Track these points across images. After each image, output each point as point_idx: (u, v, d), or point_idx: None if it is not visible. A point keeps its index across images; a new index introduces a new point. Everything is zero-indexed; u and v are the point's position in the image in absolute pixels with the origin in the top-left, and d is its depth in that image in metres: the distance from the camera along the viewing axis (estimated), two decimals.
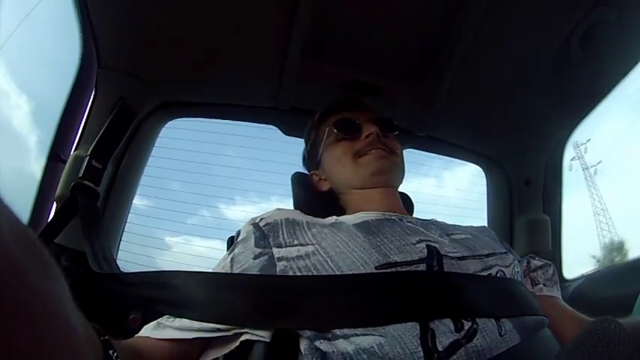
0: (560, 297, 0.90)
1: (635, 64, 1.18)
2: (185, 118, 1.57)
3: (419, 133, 1.56)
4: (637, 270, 1.18)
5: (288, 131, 1.55)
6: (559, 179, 1.58)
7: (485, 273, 0.73)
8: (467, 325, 0.61)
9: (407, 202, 1.15)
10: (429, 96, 1.38)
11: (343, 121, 1.00)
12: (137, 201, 1.51)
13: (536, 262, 0.94)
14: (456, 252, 0.74)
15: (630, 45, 1.15)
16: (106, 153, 1.25)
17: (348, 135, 0.98)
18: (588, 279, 1.40)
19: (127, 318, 1.18)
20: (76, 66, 1.27)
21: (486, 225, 1.30)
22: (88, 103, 1.28)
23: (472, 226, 0.93)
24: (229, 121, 1.61)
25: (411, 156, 1.64)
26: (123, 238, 1.46)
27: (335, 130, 1.00)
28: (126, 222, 1.47)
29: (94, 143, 1.22)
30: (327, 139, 1.02)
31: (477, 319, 0.61)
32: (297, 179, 1.15)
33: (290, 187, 1.16)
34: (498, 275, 0.75)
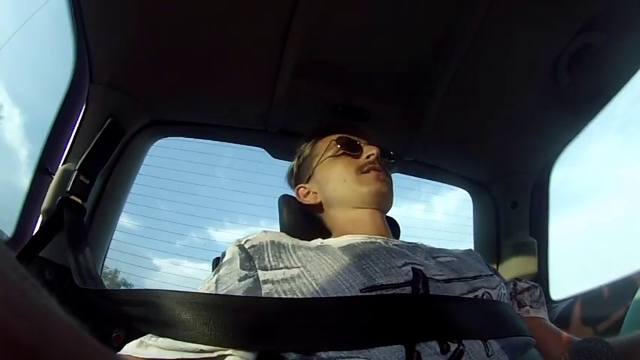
0: (547, 318, 0.90)
1: (621, 87, 1.20)
2: (174, 138, 1.58)
3: (407, 158, 1.57)
4: (623, 290, 1.18)
5: (276, 154, 1.56)
6: (546, 202, 1.59)
7: (471, 295, 0.74)
8: (453, 347, 0.60)
9: (393, 226, 1.16)
10: (417, 120, 1.39)
11: (346, 139, 1.02)
12: (127, 221, 1.50)
13: (522, 285, 0.94)
14: (441, 274, 0.74)
15: (616, 69, 1.17)
16: (95, 168, 1.25)
17: (349, 152, 1.00)
18: (575, 300, 1.40)
19: (110, 335, 1.16)
20: (69, 79, 1.27)
21: (473, 248, 1.30)
22: (78, 118, 1.29)
23: (458, 250, 0.94)
24: (218, 142, 1.62)
25: (401, 181, 1.66)
26: (114, 258, 1.45)
27: (338, 146, 1.01)
28: (111, 239, 1.46)
29: (83, 158, 1.22)
30: (326, 153, 1.03)
31: (464, 341, 0.61)
32: (285, 201, 1.15)
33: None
34: (484, 297, 0.75)
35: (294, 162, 1.15)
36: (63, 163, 1.25)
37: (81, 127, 1.28)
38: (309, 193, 1.05)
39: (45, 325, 0.26)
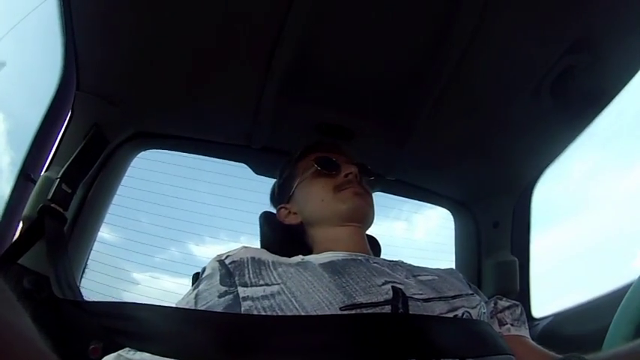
0: (529, 336, 0.90)
1: (604, 108, 1.22)
2: (158, 150, 1.57)
3: (389, 177, 1.59)
4: (605, 307, 1.19)
5: (259, 170, 1.56)
6: (527, 221, 1.60)
7: (451, 314, 0.74)
8: None
9: (374, 245, 1.16)
10: (400, 140, 1.40)
11: (324, 158, 1.03)
12: (107, 233, 1.48)
13: (503, 303, 0.94)
14: (421, 294, 0.74)
15: (599, 91, 1.18)
16: (77, 177, 1.24)
17: (327, 171, 1.00)
18: (557, 317, 1.41)
19: (88, 347, 1.14)
20: (55, 86, 1.25)
21: (454, 267, 1.31)
22: (63, 125, 1.27)
23: (439, 268, 0.94)
24: (201, 157, 1.62)
25: (382, 199, 1.67)
26: (91, 269, 1.42)
27: (315, 166, 1.01)
28: (91, 250, 1.43)
29: (66, 167, 1.20)
30: (304, 174, 1.04)
31: None
32: (266, 218, 1.16)
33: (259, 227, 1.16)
34: (464, 317, 0.75)
35: (276, 182, 1.15)
36: (45, 171, 1.23)
37: (65, 134, 1.26)
38: (289, 213, 1.05)
39: None
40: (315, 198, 0.99)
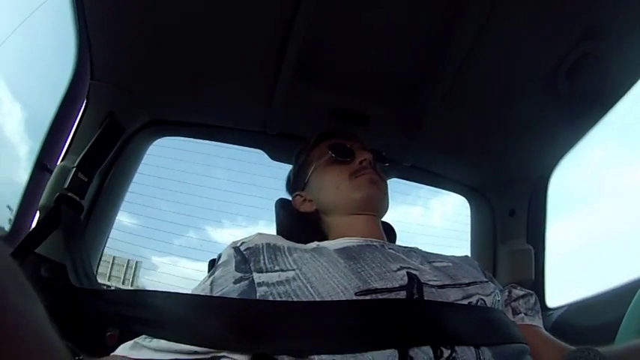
0: (542, 326, 0.90)
1: (622, 95, 1.20)
2: (174, 137, 1.58)
3: (404, 163, 1.58)
4: (619, 297, 1.18)
5: (275, 156, 1.56)
6: (543, 209, 1.59)
7: (465, 301, 0.73)
8: (446, 352, 0.60)
9: (389, 231, 1.16)
10: (415, 125, 1.39)
11: (339, 145, 1.03)
12: (126, 219, 1.50)
13: (517, 292, 0.94)
14: (436, 280, 0.74)
15: (616, 78, 1.17)
16: (93, 166, 1.25)
17: (342, 158, 1.00)
18: (571, 307, 1.40)
19: (105, 334, 1.16)
20: (70, 76, 1.27)
21: (470, 254, 1.30)
22: (78, 114, 1.28)
23: (454, 255, 0.94)
24: (217, 143, 1.62)
25: (398, 185, 1.67)
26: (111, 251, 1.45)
27: (330, 152, 1.01)
28: (108, 238, 1.46)
29: (82, 156, 1.21)
30: (319, 161, 1.04)
31: (456, 347, 0.61)
32: (281, 205, 1.16)
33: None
34: (479, 304, 0.75)
35: (292, 169, 1.16)
36: (61, 160, 1.25)
37: (80, 124, 1.28)
38: (305, 201, 1.06)
39: (6, 323, 0.26)
40: (330, 185, 1.00)
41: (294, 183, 1.13)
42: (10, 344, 0.26)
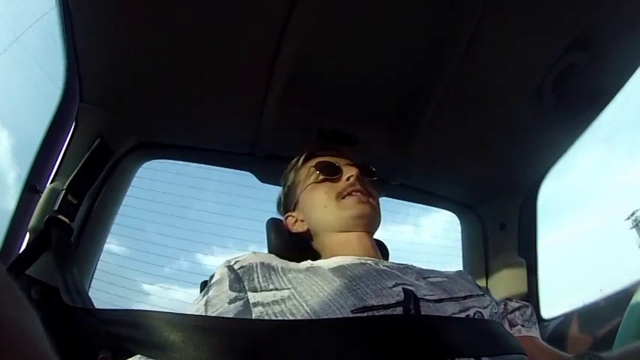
0: (539, 337, 0.90)
1: (606, 105, 1.22)
2: (163, 160, 1.58)
3: (393, 182, 1.59)
4: (615, 305, 1.19)
5: (263, 178, 1.56)
6: (533, 222, 1.60)
7: (462, 315, 0.73)
8: None
9: (382, 249, 1.16)
10: (404, 144, 1.41)
11: (325, 163, 1.03)
12: (115, 244, 1.48)
13: (513, 304, 0.94)
14: (432, 295, 0.74)
15: (600, 89, 1.19)
16: (83, 188, 1.24)
17: (329, 176, 1.00)
18: (567, 318, 1.41)
19: (97, 356, 1.14)
20: (59, 98, 1.27)
21: (462, 269, 1.29)
22: (67, 137, 1.28)
23: (448, 271, 0.94)
24: (206, 166, 1.62)
25: (387, 204, 1.67)
26: (100, 280, 1.42)
27: (317, 172, 1.01)
28: (98, 260, 1.44)
29: (71, 178, 1.21)
30: (307, 180, 1.04)
31: None
32: (272, 225, 1.15)
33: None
34: (476, 316, 0.75)
35: (281, 190, 1.15)
36: (51, 182, 1.24)
37: (70, 146, 1.27)
38: (296, 221, 1.05)
39: (3, 334, 0.26)
40: (319, 205, 0.99)
41: (285, 204, 1.12)
42: (7, 356, 0.25)
